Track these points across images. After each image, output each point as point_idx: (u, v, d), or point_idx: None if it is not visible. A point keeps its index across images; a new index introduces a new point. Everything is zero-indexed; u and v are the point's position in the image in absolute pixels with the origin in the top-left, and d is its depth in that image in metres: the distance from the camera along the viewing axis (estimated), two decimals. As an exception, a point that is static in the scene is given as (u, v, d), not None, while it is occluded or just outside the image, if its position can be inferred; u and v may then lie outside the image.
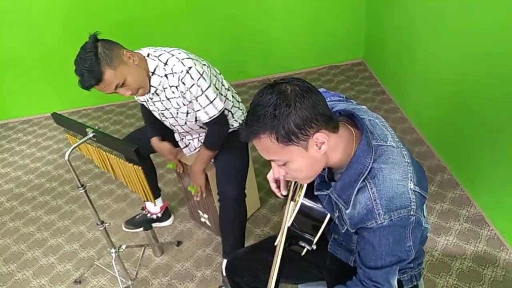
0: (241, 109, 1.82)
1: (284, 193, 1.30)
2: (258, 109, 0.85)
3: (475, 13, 1.81)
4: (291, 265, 1.24)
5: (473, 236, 1.88)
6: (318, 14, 3.25)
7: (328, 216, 1.07)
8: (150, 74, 1.52)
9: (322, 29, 3.34)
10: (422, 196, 0.91)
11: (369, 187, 0.87)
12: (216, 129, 1.66)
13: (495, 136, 1.77)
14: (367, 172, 0.87)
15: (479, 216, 1.96)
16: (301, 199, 1.07)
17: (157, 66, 1.52)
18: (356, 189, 0.88)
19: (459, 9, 1.95)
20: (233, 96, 1.78)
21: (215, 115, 1.58)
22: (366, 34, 3.37)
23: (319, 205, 1.09)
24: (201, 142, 1.85)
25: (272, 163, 0.94)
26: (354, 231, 0.95)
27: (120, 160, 1.51)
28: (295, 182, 1.27)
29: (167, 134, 1.89)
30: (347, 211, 0.91)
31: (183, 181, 2.09)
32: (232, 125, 1.77)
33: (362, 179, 0.88)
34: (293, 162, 0.88)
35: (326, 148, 0.87)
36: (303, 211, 1.08)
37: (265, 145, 0.86)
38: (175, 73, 1.50)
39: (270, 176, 1.33)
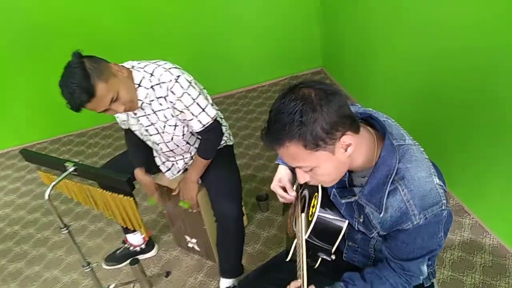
0: (224, 125, 1.78)
1: (293, 194, 1.26)
2: (282, 117, 0.82)
3: (436, 9, 1.91)
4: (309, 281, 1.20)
5: (457, 226, 1.96)
6: (274, 27, 3.30)
7: (346, 223, 1.06)
8: (136, 86, 1.45)
9: (280, 41, 3.39)
10: (444, 189, 0.92)
11: (400, 189, 0.87)
12: (210, 136, 1.61)
13: (467, 129, 1.87)
14: (394, 173, 0.87)
15: (459, 206, 2.06)
16: (317, 210, 1.05)
17: (143, 77, 1.46)
18: (387, 192, 0.88)
19: (419, 7, 2.03)
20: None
21: (208, 122, 1.54)
22: (323, 42, 3.47)
23: (335, 213, 1.07)
24: (186, 164, 1.78)
25: (297, 169, 0.92)
26: (385, 233, 0.94)
27: (107, 192, 1.40)
28: (301, 191, 1.25)
29: (149, 161, 1.80)
30: (381, 215, 0.90)
31: (166, 207, 1.99)
32: None
33: (390, 181, 0.87)
34: (320, 167, 0.87)
35: (352, 150, 0.86)
36: (319, 222, 1.06)
37: (291, 153, 0.84)
38: (163, 82, 1.44)
39: (274, 186, 1.29)
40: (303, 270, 0.99)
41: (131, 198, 1.35)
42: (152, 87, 1.46)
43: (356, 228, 1.05)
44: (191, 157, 1.76)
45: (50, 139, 3.31)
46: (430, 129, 2.20)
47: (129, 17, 2.95)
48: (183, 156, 1.75)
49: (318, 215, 1.05)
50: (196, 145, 1.72)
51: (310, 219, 1.09)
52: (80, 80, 1.29)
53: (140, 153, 1.76)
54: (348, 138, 0.84)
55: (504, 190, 1.74)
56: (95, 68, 1.32)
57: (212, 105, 1.60)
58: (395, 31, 2.32)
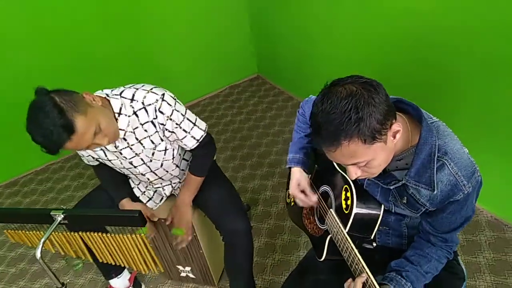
0: None
1: (315, 197, 1.26)
2: (334, 117, 0.82)
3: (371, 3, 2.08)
4: (346, 277, 1.20)
5: (475, 227, 1.92)
6: (207, 41, 3.27)
7: (383, 209, 1.09)
8: (116, 115, 1.30)
9: (214, 54, 3.38)
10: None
11: (447, 163, 0.91)
12: (206, 150, 1.52)
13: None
14: (436, 150, 0.91)
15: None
16: (355, 203, 1.06)
17: (122, 105, 1.31)
18: (435, 169, 0.92)
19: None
20: None
21: (202, 136, 1.45)
22: (256, 49, 3.54)
23: (371, 202, 1.09)
24: (174, 190, 1.67)
25: (350, 166, 0.92)
26: (434, 209, 0.98)
27: (108, 235, 1.24)
28: (319, 188, 1.25)
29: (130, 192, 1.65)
30: (434, 193, 0.93)
31: (150, 239, 1.84)
32: None
33: (435, 158, 0.91)
34: (376, 159, 0.88)
35: (400, 136, 0.89)
36: (358, 213, 1.07)
37: (350, 151, 0.84)
38: (149, 105, 1.32)
39: (294, 190, 1.27)
40: (362, 263, 0.98)
41: (142, 235, 1.22)
42: (135, 113, 1.33)
43: (392, 211, 1.09)
44: (179, 181, 1.65)
45: (-28, 197, 2.84)
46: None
47: (54, 38, 2.67)
48: (171, 181, 1.63)
49: (357, 207, 1.06)
50: (184, 168, 1.62)
51: (346, 212, 1.09)
52: (55, 118, 1.11)
53: (120, 184, 1.61)
54: (396, 125, 0.87)
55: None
56: (68, 102, 1.15)
57: None
58: (330, 18, 2.43)
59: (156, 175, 1.54)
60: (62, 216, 1.19)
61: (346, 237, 1.06)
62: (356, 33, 2.29)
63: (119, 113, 1.32)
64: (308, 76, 2.97)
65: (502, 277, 1.70)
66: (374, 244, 1.12)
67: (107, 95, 1.34)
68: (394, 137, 0.88)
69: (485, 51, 1.63)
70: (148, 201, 1.69)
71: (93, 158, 1.50)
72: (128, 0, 2.80)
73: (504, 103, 1.66)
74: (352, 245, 1.04)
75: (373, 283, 0.94)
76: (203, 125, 1.47)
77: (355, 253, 1.02)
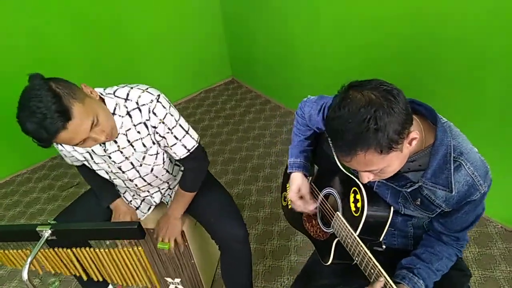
0: None
1: (313, 206, 1.24)
2: (352, 126, 0.79)
3: (348, 7, 2.10)
4: (352, 280, 1.18)
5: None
6: (181, 46, 3.20)
7: (392, 210, 1.08)
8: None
9: (189, 59, 3.31)
10: None
11: (463, 164, 0.90)
12: (197, 164, 1.44)
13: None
14: (452, 150, 0.90)
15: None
16: (365, 205, 1.04)
17: (116, 104, 1.23)
18: (452, 169, 0.90)
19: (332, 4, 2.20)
20: None
21: (194, 146, 1.38)
22: (230, 53, 3.50)
23: (381, 204, 1.08)
24: (163, 196, 1.59)
25: (363, 173, 0.90)
26: (450, 209, 0.98)
27: (102, 250, 1.15)
28: (322, 190, 1.22)
29: None
30: (452, 193, 0.92)
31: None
32: None
33: (451, 159, 0.90)
34: (391, 166, 0.87)
35: (415, 142, 0.87)
36: (370, 216, 1.05)
37: (366, 160, 0.82)
38: (143, 105, 1.24)
39: (293, 196, 1.25)
40: (378, 267, 0.96)
41: (140, 248, 1.14)
42: (128, 113, 1.25)
43: (402, 212, 1.08)
44: (169, 187, 1.57)
45: None
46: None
47: (27, 45, 2.50)
48: (159, 187, 1.55)
49: (368, 210, 1.04)
50: (176, 174, 1.54)
51: (356, 215, 1.07)
52: (50, 103, 1.00)
53: (110, 183, 1.52)
54: (414, 133, 0.85)
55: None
56: (65, 88, 1.06)
57: None
58: (305, 22, 2.42)
59: (145, 181, 1.45)
60: (50, 231, 1.09)
61: (357, 241, 1.03)
62: (333, 38, 2.31)
63: (113, 113, 1.24)
64: (285, 79, 2.96)
65: (489, 271, 1.76)
66: (384, 247, 1.11)
67: (100, 93, 1.26)
68: (410, 144, 0.86)
69: (479, 51, 1.64)
70: (135, 210, 1.60)
71: (78, 159, 1.40)
72: (102, 5, 2.68)
73: (494, 109, 1.70)
74: (366, 249, 1.01)
75: (392, 286, 0.92)
76: (195, 135, 1.41)
77: (369, 257, 1.00)
